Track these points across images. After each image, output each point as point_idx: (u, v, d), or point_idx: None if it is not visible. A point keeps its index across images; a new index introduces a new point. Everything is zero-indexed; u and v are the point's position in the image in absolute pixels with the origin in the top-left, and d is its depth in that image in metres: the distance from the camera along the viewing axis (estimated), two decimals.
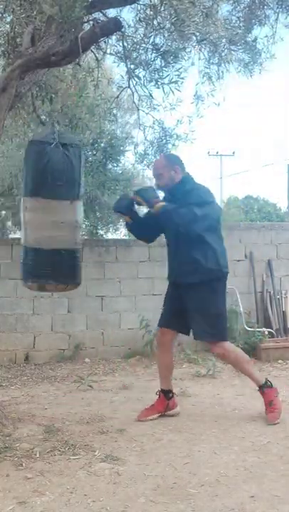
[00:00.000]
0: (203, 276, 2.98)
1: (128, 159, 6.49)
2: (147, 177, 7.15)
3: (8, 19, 3.14)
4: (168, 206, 2.94)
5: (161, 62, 3.25)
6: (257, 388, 3.19)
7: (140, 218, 3.25)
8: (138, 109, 3.56)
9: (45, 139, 2.83)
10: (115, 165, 6.21)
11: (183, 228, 2.91)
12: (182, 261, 3.05)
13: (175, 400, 3.28)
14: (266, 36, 3.42)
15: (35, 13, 2.75)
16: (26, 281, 2.96)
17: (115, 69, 4.80)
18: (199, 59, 3.40)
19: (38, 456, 2.53)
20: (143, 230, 3.29)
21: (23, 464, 2.42)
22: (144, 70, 3.30)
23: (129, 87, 3.39)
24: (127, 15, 3.23)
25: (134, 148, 4.02)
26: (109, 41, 3.40)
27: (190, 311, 3.07)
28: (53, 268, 2.87)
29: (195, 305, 3.03)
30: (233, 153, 27.23)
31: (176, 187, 3.08)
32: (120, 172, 6.28)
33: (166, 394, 3.23)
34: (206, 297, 3.01)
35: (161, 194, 3.17)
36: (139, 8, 3.11)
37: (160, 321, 3.29)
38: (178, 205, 2.91)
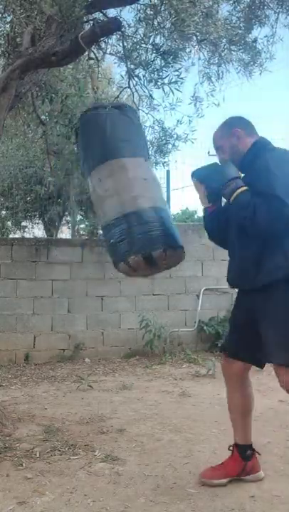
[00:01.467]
0: (282, 273, 1.99)
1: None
2: None
3: (8, 19, 3.13)
4: (247, 196, 2.01)
5: (161, 62, 3.24)
6: None
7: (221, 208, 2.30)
8: (138, 109, 3.56)
9: (98, 104, 2.76)
10: None
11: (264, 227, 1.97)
12: (251, 257, 2.07)
13: (256, 460, 2.26)
14: (266, 36, 3.41)
15: (35, 13, 2.75)
16: (129, 255, 2.38)
17: (115, 69, 4.80)
18: (199, 59, 3.40)
19: (38, 456, 2.53)
20: (220, 226, 2.30)
21: (23, 464, 2.42)
22: (144, 70, 3.29)
23: (129, 87, 3.39)
24: (127, 15, 3.23)
25: None
26: (109, 41, 3.40)
27: (260, 322, 2.06)
28: (161, 228, 2.40)
29: (266, 313, 2.05)
30: None
31: (245, 160, 2.17)
32: None
33: (243, 451, 2.24)
34: (282, 302, 2.00)
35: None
36: (139, 8, 3.10)
37: (223, 345, 2.44)
38: (258, 197, 1.96)
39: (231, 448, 2.28)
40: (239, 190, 2.04)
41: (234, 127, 2.21)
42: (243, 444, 2.24)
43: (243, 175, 2.17)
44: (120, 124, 2.63)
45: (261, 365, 2.20)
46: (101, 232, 2.64)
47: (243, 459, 2.22)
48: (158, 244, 2.35)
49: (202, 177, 2.23)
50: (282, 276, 1.98)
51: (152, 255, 2.34)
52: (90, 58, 3.11)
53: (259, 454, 2.28)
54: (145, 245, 2.34)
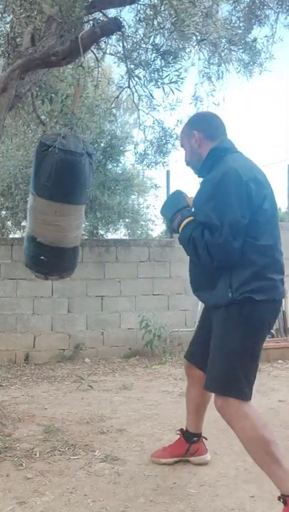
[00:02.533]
0: (225, 299, 1.92)
1: (128, 159, 6.49)
2: (147, 177, 7.15)
3: (8, 19, 3.14)
4: (188, 231, 1.96)
5: (161, 62, 3.24)
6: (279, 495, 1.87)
7: None
8: (138, 109, 3.56)
9: (77, 149, 2.92)
10: (115, 165, 6.21)
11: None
12: (203, 274, 2.03)
13: (202, 445, 2.46)
14: (266, 36, 3.42)
15: (35, 13, 2.76)
16: (50, 274, 3.34)
17: (115, 69, 4.81)
18: (199, 59, 3.41)
19: (38, 456, 2.53)
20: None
21: (23, 464, 2.42)
22: (144, 70, 3.29)
23: (129, 87, 3.39)
24: (127, 15, 3.23)
25: (134, 148, 4.01)
26: (109, 41, 3.40)
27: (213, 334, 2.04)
28: (72, 262, 3.31)
29: (213, 335, 2.03)
30: None
31: (202, 167, 2.08)
32: (120, 172, 6.28)
33: (189, 437, 2.43)
34: (224, 327, 1.96)
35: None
36: (139, 8, 3.11)
37: (187, 350, 2.42)
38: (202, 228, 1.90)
39: (179, 432, 2.49)
40: (182, 225, 1.98)
41: (194, 128, 2.09)
42: (193, 432, 2.44)
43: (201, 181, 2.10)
44: (88, 173, 3.00)
45: None
46: (29, 236, 3.23)
47: (186, 442, 2.43)
48: (69, 271, 3.35)
49: (161, 210, 2.18)
50: (222, 300, 1.92)
51: (64, 277, 3.44)
52: (80, 66, 3.14)
53: (206, 439, 2.47)
54: (65, 271, 3.33)
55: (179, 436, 2.48)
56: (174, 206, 2.06)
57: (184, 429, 2.47)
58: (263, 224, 1.90)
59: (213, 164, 1.99)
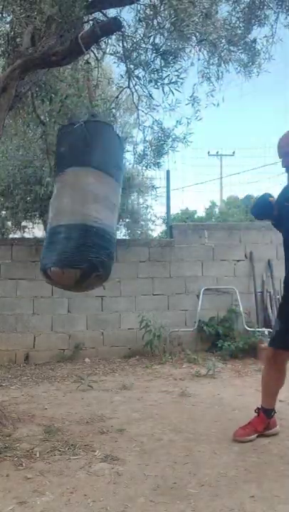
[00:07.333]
0: None
1: (127, 159, 6.48)
2: (147, 177, 7.13)
3: (8, 19, 3.13)
4: None
5: (160, 62, 3.24)
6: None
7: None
8: (137, 109, 3.56)
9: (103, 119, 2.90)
10: None
11: None
12: None
13: (275, 418, 2.92)
14: (265, 36, 3.41)
15: (35, 13, 2.75)
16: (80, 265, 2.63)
17: (115, 69, 4.80)
18: (198, 59, 3.40)
19: (38, 456, 2.53)
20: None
21: (23, 464, 2.42)
22: (143, 70, 3.29)
23: (128, 87, 3.39)
24: (127, 15, 3.23)
25: (134, 148, 4.01)
26: (109, 41, 3.40)
27: None
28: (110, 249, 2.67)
29: None
30: (233, 153, 27.23)
31: None
32: None
33: (268, 413, 2.86)
34: None
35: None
36: (139, 8, 3.11)
37: (275, 342, 2.83)
38: None
39: (257, 411, 2.87)
40: None
41: None
42: (270, 408, 2.85)
43: None
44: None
45: None
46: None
47: (267, 418, 2.83)
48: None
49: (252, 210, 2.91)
50: None
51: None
52: (87, 62, 3.14)
53: (275, 412, 2.90)
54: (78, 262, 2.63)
55: (257, 413, 2.85)
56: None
57: (260, 406, 2.86)
58: None
59: None
